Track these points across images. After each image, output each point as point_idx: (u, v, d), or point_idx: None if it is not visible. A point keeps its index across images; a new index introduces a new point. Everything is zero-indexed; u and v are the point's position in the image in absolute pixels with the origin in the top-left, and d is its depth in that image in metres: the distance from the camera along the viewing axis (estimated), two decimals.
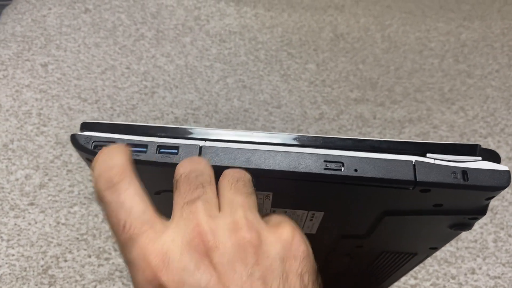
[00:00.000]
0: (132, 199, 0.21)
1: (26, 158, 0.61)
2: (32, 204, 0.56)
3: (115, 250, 0.53)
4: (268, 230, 0.22)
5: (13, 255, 0.51)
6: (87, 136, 0.25)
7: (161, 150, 0.24)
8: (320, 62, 0.82)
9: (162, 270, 0.20)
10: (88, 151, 0.25)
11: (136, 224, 0.21)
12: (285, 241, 0.22)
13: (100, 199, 0.22)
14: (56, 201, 0.57)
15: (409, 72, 0.83)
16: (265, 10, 0.90)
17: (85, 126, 0.25)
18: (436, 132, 0.72)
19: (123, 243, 0.21)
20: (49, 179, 0.59)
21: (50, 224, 0.54)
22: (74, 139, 0.25)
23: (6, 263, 0.51)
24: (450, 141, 0.71)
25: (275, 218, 0.23)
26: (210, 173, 0.23)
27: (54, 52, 0.76)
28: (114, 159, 0.22)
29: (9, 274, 0.50)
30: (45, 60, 0.74)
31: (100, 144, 0.24)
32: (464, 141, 0.71)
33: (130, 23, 0.84)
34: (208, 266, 0.20)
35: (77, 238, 0.54)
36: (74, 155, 0.62)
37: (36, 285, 0.49)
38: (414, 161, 0.24)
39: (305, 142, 0.25)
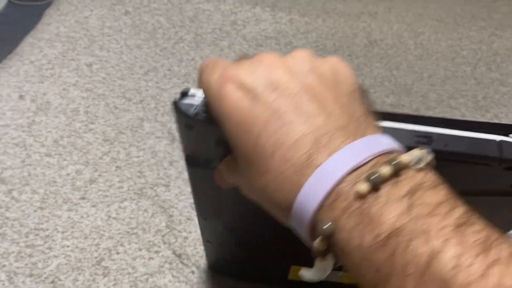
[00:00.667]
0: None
1: (76, 154, 0.63)
2: (83, 198, 0.58)
3: (164, 243, 0.55)
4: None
5: (68, 246, 0.53)
6: (189, 104, 0.26)
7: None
8: (355, 67, 0.84)
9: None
10: (190, 117, 0.26)
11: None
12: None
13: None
14: (107, 196, 0.58)
15: (442, 79, 0.84)
16: (299, 16, 0.92)
17: (185, 94, 0.27)
18: None
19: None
20: (99, 175, 0.60)
21: (101, 218, 0.56)
22: (176, 106, 0.26)
23: (62, 254, 0.52)
24: None
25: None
26: None
27: (97, 53, 0.78)
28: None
29: (65, 264, 0.52)
30: (89, 60, 0.76)
31: (201, 111, 0.26)
32: None
33: (169, 26, 0.86)
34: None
35: (128, 232, 0.55)
36: (122, 152, 0.64)
37: (91, 275, 0.51)
38: (499, 140, 0.26)
39: (397, 118, 0.27)
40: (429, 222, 0.18)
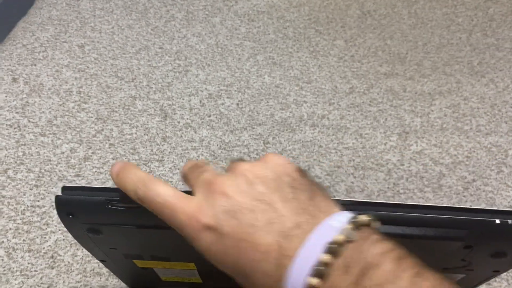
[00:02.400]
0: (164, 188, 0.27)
1: (70, 133, 0.63)
2: (78, 175, 0.58)
3: None
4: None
5: None
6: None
7: None
8: (348, 38, 0.83)
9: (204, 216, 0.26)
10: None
11: (175, 201, 0.27)
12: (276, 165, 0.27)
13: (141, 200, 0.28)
14: (101, 173, 0.59)
15: (437, 46, 0.83)
16: None
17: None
18: (467, 104, 0.73)
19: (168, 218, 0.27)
20: (93, 152, 0.61)
21: None
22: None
23: (59, 230, 0.53)
24: (481, 112, 0.71)
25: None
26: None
27: (89, 34, 0.78)
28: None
29: (63, 240, 0.52)
30: (81, 42, 0.76)
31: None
32: (495, 112, 0.72)
33: (160, 5, 0.86)
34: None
35: None
36: (115, 130, 0.64)
37: None
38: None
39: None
40: None
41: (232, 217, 0.25)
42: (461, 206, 0.28)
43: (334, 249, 0.22)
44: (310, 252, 0.23)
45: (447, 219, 0.27)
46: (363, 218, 0.24)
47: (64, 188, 0.30)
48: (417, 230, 0.28)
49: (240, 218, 0.25)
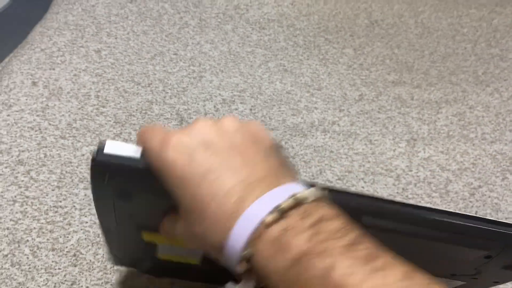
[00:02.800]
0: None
1: (89, 136, 0.65)
2: None
3: None
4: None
5: (86, 222, 0.56)
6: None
7: None
8: (357, 46, 0.85)
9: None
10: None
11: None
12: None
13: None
14: None
15: (443, 56, 0.85)
16: None
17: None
18: (472, 112, 0.75)
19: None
20: None
21: None
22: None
23: (81, 229, 0.55)
24: (486, 120, 0.74)
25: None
26: None
27: (105, 39, 0.80)
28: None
29: (85, 239, 0.54)
30: (98, 47, 0.79)
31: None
32: (500, 121, 0.74)
33: (174, 12, 0.88)
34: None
35: None
36: (133, 133, 0.66)
37: None
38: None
39: None
40: (326, 244, 0.23)
41: (206, 149, 0.27)
42: (488, 218, 0.31)
43: (295, 199, 0.25)
44: (272, 198, 0.25)
45: (480, 228, 0.29)
46: (320, 190, 0.27)
47: (99, 150, 0.29)
48: (447, 234, 0.29)
49: (213, 151, 0.27)
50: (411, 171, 0.66)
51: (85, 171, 0.61)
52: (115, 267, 0.53)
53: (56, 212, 0.56)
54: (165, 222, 0.33)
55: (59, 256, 0.53)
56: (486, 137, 0.71)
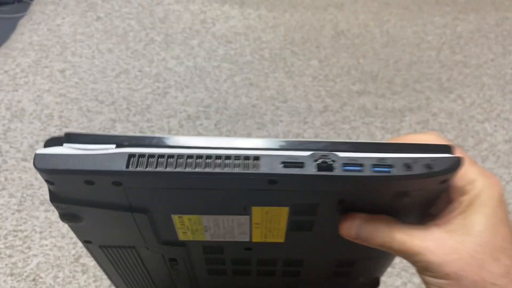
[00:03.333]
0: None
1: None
2: None
3: None
4: None
5: (46, 245, 0.56)
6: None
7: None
8: (323, 58, 0.86)
9: None
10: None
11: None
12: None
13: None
14: None
15: (407, 64, 0.87)
16: (267, 11, 0.94)
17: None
18: (436, 120, 0.76)
19: None
20: None
21: None
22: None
23: (41, 253, 0.55)
24: (449, 127, 0.75)
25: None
26: None
27: (70, 59, 0.80)
28: None
29: (45, 262, 0.54)
30: (62, 66, 0.78)
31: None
32: (463, 127, 0.75)
33: (140, 29, 0.88)
34: None
35: None
36: None
37: (71, 272, 0.54)
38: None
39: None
40: None
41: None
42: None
43: None
44: None
45: None
46: None
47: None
48: None
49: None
50: None
51: (46, 193, 0.60)
52: None
53: (15, 236, 0.56)
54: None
55: (17, 281, 0.52)
56: None
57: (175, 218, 0.30)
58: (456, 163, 0.25)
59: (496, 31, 0.94)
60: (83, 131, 0.26)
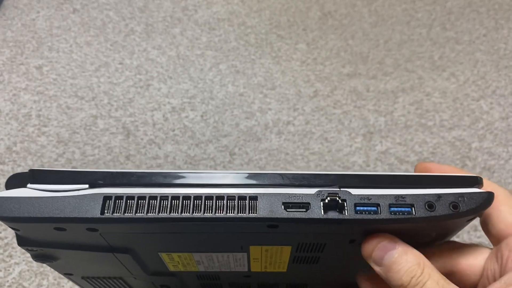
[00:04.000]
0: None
1: (31, 158, 0.62)
2: None
3: None
4: None
5: None
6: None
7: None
8: (310, 41, 0.83)
9: None
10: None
11: None
12: None
13: None
14: None
15: (398, 43, 0.84)
16: None
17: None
18: (430, 100, 0.73)
19: None
20: None
21: None
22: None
23: (23, 261, 0.52)
24: (444, 107, 0.72)
25: None
26: None
27: (47, 54, 0.76)
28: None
29: (28, 270, 0.51)
30: (39, 63, 0.75)
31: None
32: (458, 106, 0.73)
33: (119, 19, 0.84)
34: None
35: None
36: (77, 152, 0.63)
37: (55, 279, 0.51)
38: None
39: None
40: None
41: None
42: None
43: None
44: None
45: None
46: None
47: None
48: None
49: None
50: (368, 166, 0.64)
51: None
52: None
53: None
54: None
55: None
56: (444, 124, 0.70)
57: (163, 255, 0.27)
58: (487, 201, 0.22)
59: (487, 4, 0.91)
60: (49, 168, 0.22)
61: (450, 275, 0.25)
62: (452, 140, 0.68)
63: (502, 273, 0.23)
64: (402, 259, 0.22)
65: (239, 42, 0.82)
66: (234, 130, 0.68)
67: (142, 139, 0.65)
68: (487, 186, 0.23)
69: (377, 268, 0.23)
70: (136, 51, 0.79)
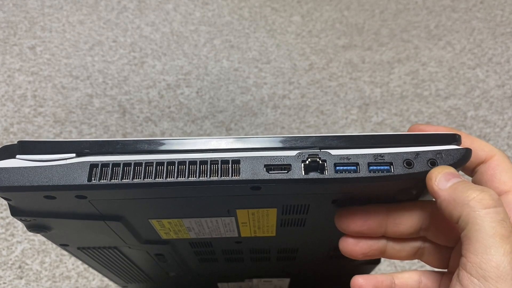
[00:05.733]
0: None
1: (28, 139, 0.62)
2: None
3: None
4: None
5: None
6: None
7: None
8: (305, 13, 0.82)
9: None
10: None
11: None
12: None
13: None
14: None
15: (394, 13, 0.83)
16: None
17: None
18: (425, 69, 0.73)
19: None
20: None
21: None
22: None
23: (25, 239, 0.53)
24: (440, 76, 0.72)
25: None
26: None
27: (40, 34, 0.76)
28: None
29: (30, 248, 0.52)
30: (32, 43, 0.75)
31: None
32: (453, 75, 0.72)
33: None
34: None
35: None
36: (74, 131, 0.63)
37: (57, 256, 0.52)
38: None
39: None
40: None
41: None
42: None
43: None
44: None
45: None
46: None
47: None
48: None
49: None
50: None
51: None
52: (65, 274, 0.51)
53: None
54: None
55: (3, 269, 0.51)
56: (440, 94, 0.70)
57: (154, 222, 0.27)
58: (465, 156, 0.22)
59: None
60: (38, 139, 0.23)
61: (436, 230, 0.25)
62: (448, 109, 0.68)
63: None
64: (467, 182, 0.22)
65: (233, 16, 0.82)
66: (229, 106, 0.68)
67: (138, 116, 0.65)
68: (485, 147, 0.23)
69: (440, 193, 0.22)
70: (130, 28, 0.78)
